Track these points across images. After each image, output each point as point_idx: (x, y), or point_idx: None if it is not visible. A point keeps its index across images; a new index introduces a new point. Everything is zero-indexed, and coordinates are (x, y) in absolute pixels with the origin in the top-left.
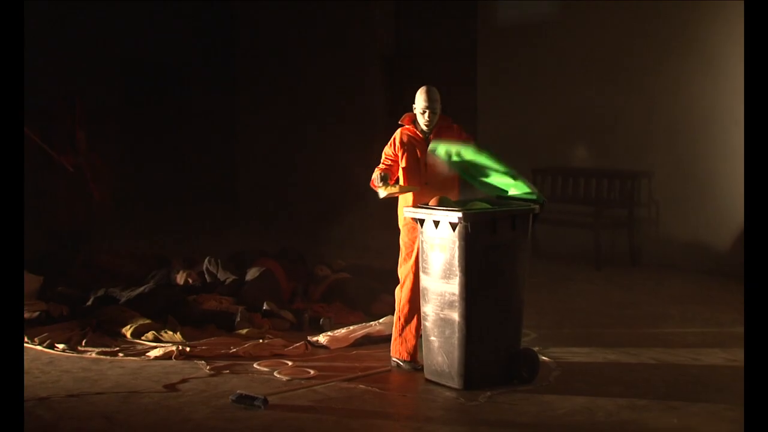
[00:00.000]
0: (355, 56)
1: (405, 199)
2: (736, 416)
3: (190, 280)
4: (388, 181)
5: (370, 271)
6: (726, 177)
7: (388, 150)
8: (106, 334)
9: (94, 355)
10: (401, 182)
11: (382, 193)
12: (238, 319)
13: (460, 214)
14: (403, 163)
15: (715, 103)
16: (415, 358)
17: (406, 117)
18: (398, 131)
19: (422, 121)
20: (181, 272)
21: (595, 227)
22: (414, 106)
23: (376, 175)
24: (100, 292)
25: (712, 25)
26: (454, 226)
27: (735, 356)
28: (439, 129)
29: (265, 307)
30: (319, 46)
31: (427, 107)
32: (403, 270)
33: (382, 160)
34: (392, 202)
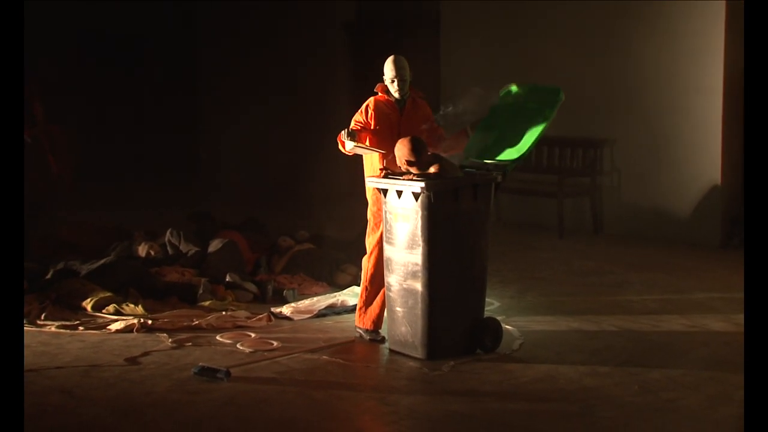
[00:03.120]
0: (316, 24)
1: (371, 169)
2: (693, 381)
3: (152, 252)
4: (356, 138)
5: (334, 242)
6: (686, 145)
7: (358, 116)
8: (66, 307)
9: (53, 329)
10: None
11: (349, 145)
12: (201, 291)
13: (422, 184)
14: (374, 126)
15: (675, 71)
16: (377, 329)
17: (379, 86)
18: (371, 99)
19: (393, 89)
20: (142, 244)
21: (557, 196)
22: (384, 77)
23: (344, 131)
24: (60, 266)
25: None
26: (416, 195)
27: (694, 322)
28: (414, 101)
29: (227, 278)
30: (280, 14)
31: (395, 75)
32: (371, 240)
33: (351, 126)
34: (360, 172)
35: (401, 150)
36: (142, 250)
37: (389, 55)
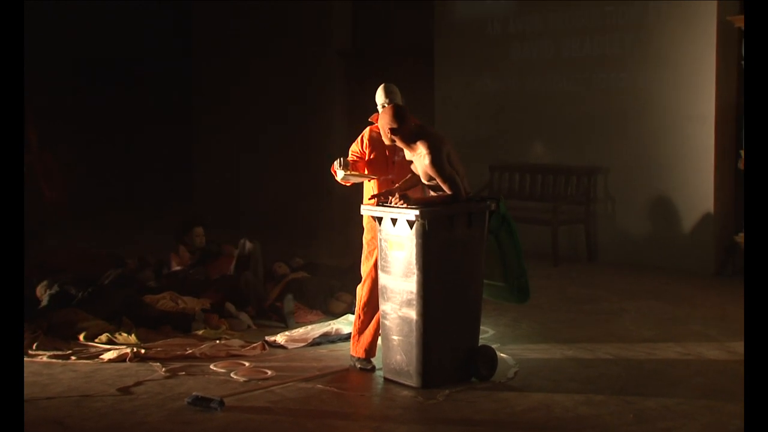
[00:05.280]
0: (311, 52)
1: (368, 197)
2: (689, 410)
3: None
4: (348, 168)
5: (329, 269)
6: (680, 173)
7: (354, 147)
8: (59, 336)
9: (45, 359)
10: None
11: (340, 174)
12: (195, 320)
13: (417, 212)
14: (369, 156)
15: (668, 99)
16: (370, 357)
17: (374, 116)
18: (366, 129)
19: None
20: (182, 248)
21: (552, 223)
22: (377, 106)
23: (336, 161)
24: (54, 289)
25: (664, 24)
26: (411, 223)
27: (689, 350)
28: None
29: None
30: (276, 43)
31: (386, 101)
32: (365, 268)
33: (348, 156)
34: (357, 199)
35: (384, 119)
36: (182, 251)
37: (383, 83)
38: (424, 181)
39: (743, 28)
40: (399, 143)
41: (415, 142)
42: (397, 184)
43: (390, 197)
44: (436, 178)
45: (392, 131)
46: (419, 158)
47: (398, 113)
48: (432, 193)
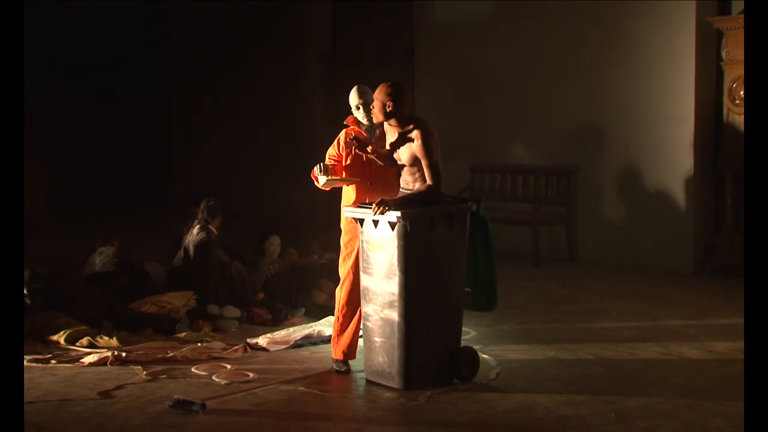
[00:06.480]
0: (291, 56)
1: (346, 199)
2: (669, 409)
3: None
4: (329, 173)
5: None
6: (659, 172)
7: (331, 151)
8: (39, 340)
9: (25, 362)
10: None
11: (322, 180)
12: (180, 323)
13: (398, 213)
14: (347, 162)
15: (647, 100)
16: (348, 359)
17: (350, 118)
18: (342, 132)
19: (360, 116)
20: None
21: (532, 224)
22: (351, 109)
23: (316, 167)
24: (32, 284)
25: (643, 25)
26: (393, 225)
27: (669, 350)
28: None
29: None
30: (256, 45)
31: (359, 102)
32: (343, 270)
33: (326, 161)
34: (336, 200)
35: (380, 94)
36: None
37: (356, 85)
38: (406, 166)
39: (722, 29)
40: (392, 123)
41: (408, 124)
42: (371, 148)
43: (369, 151)
44: (422, 160)
45: (394, 101)
46: (409, 138)
47: (397, 90)
48: (405, 180)
